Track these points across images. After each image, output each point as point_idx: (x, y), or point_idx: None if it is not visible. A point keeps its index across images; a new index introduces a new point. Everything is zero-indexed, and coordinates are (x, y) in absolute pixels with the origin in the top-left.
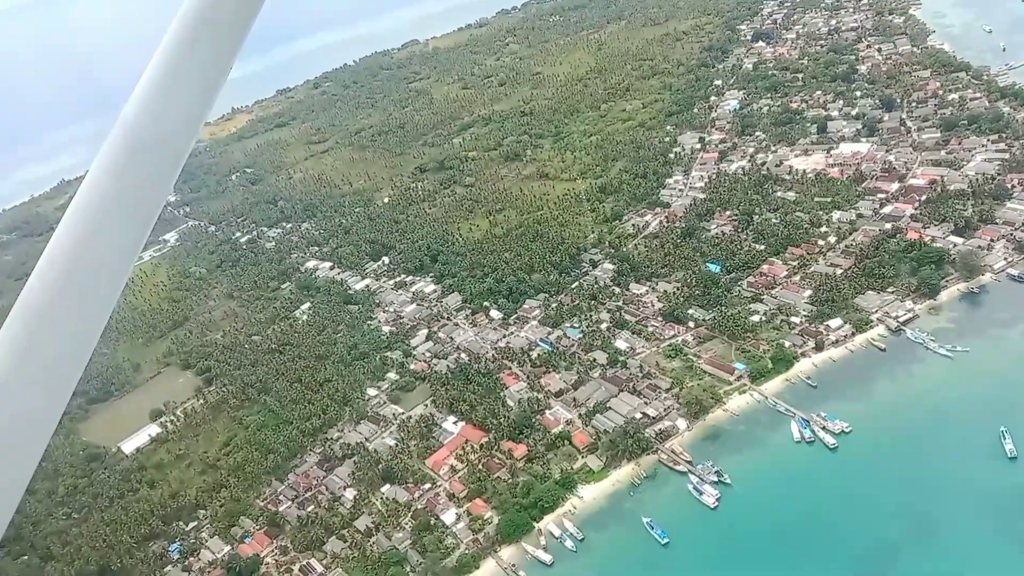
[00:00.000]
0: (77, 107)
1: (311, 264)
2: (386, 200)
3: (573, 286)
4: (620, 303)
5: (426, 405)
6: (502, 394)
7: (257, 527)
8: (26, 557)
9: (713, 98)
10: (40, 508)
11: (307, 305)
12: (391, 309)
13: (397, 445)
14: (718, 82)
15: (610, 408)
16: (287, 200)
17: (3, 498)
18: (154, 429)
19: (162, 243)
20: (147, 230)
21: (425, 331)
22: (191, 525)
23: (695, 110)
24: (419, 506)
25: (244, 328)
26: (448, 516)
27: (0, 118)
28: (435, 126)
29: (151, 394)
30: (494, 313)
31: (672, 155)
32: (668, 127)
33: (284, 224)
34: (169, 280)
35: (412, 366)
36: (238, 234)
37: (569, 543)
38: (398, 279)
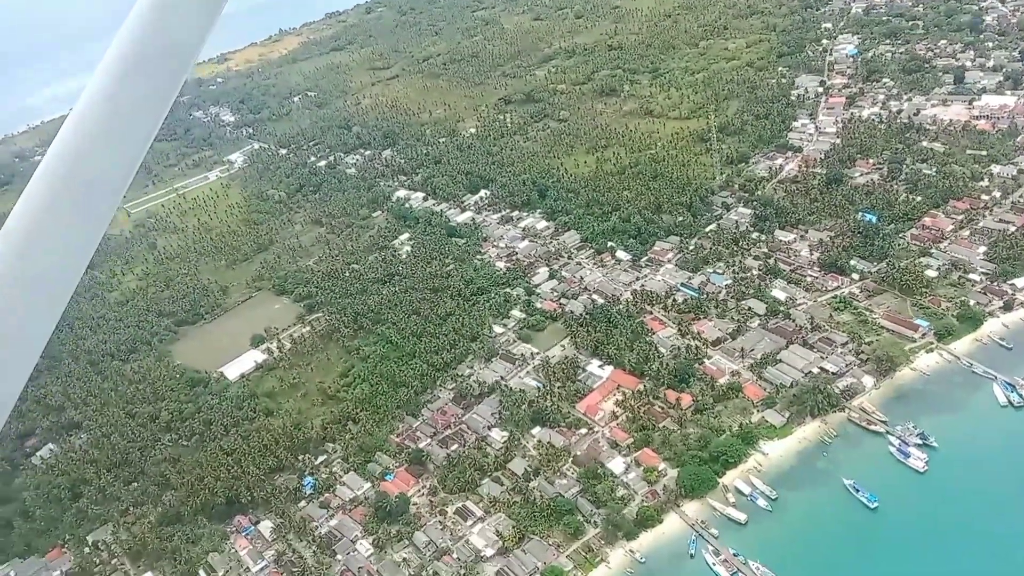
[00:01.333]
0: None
1: (401, 193)
2: (472, 131)
3: (707, 229)
4: (766, 250)
5: (563, 346)
6: (649, 339)
7: (397, 464)
8: (136, 484)
9: (825, 41)
10: (144, 433)
11: (406, 235)
12: (501, 244)
13: (544, 387)
14: (827, 25)
15: (781, 361)
16: (362, 126)
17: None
18: (258, 355)
19: (227, 164)
20: (148, 142)
21: (545, 269)
22: (320, 459)
23: (807, 52)
24: (578, 452)
25: (339, 256)
26: (615, 465)
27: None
28: (512, 57)
29: (245, 318)
30: (621, 254)
31: (793, 97)
32: (780, 68)
33: (362, 151)
34: (245, 202)
35: (539, 304)
36: (312, 159)
37: (762, 502)
38: (503, 214)
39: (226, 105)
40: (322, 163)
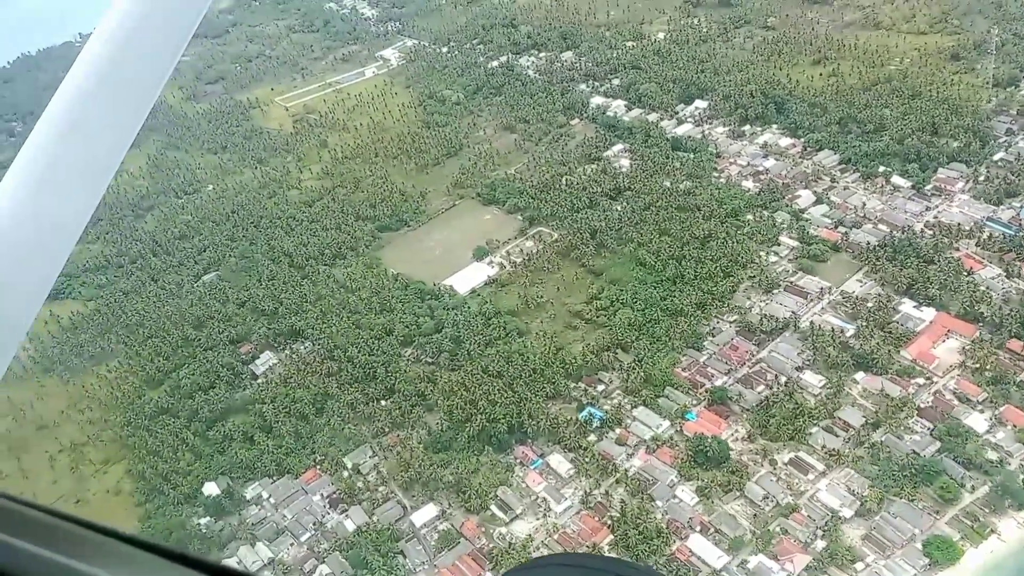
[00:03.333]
0: None
1: (598, 100)
2: (661, 35)
3: (996, 157)
4: None
5: (860, 281)
6: (971, 279)
7: (694, 402)
8: (386, 402)
9: None
10: (380, 346)
11: (619, 147)
12: (741, 162)
13: (860, 326)
14: None
15: None
16: (530, 25)
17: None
18: (486, 269)
19: (381, 60)
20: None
21: (807, 192)
22: (599, 388)
23: None
24: (920, 404)
25: (547, 166)
26: (974, 421)
27: None
28: None
29: (454, 228)
30: (898, 180)
31: None
32: None
33: (535, 52)
34: (417, 102)
35: (812, 231)
36: (481, 59)
37: None
38: (731, 128)
39: None
40: (493, 64)
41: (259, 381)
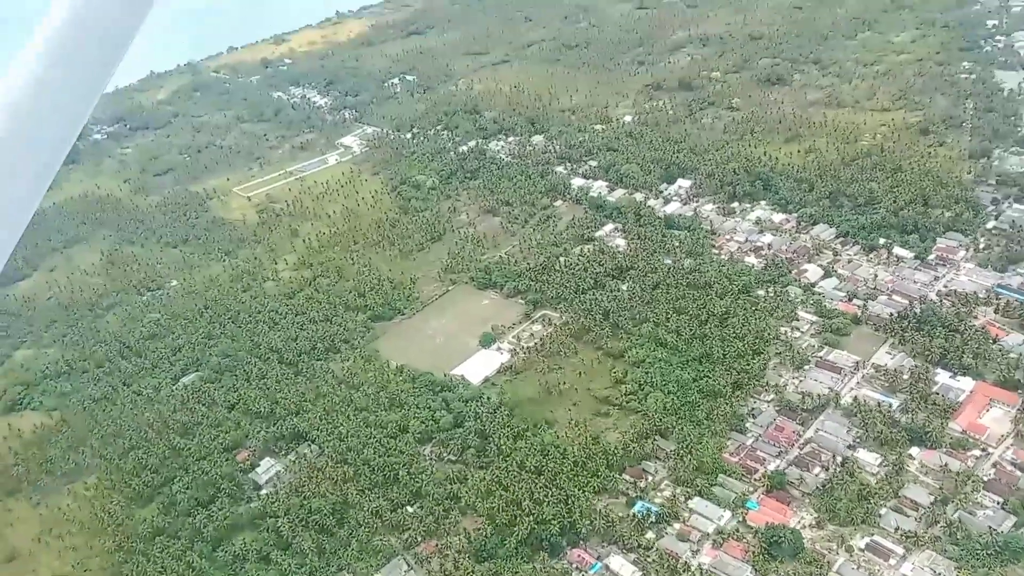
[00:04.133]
0: None
1: (579, 182)
2: (628, 118)
3: (988, 226)
4: None
5: (890, 354)
6: (1000, 347)
7: (751, 489)
8: (413, 507)
9: (1001, 37)
10: (398, 445)
11: (610, 227)
12: (739, 238)
13: (904, 401)
14: (992, 21)
15: None
16: (492, 111)
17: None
18: (497, 356)
19: (340, 147)
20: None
21: (812, 266)
22: (645, 481)
23: (987, 48)
24: (984, 477)
25: (539, 248)
26: None
27: None
28: (635, 44)
29: (452, 314)
30: (900, 251)
31: (1006, 92)
32: (964, 63)
33: (504, 137)
34: (391, 188)
35: (828, 305)
36: (449, 144)
37: None
38: (719, 205)
39: (309, 87)
40: (462, 148)
41: (264, 492)
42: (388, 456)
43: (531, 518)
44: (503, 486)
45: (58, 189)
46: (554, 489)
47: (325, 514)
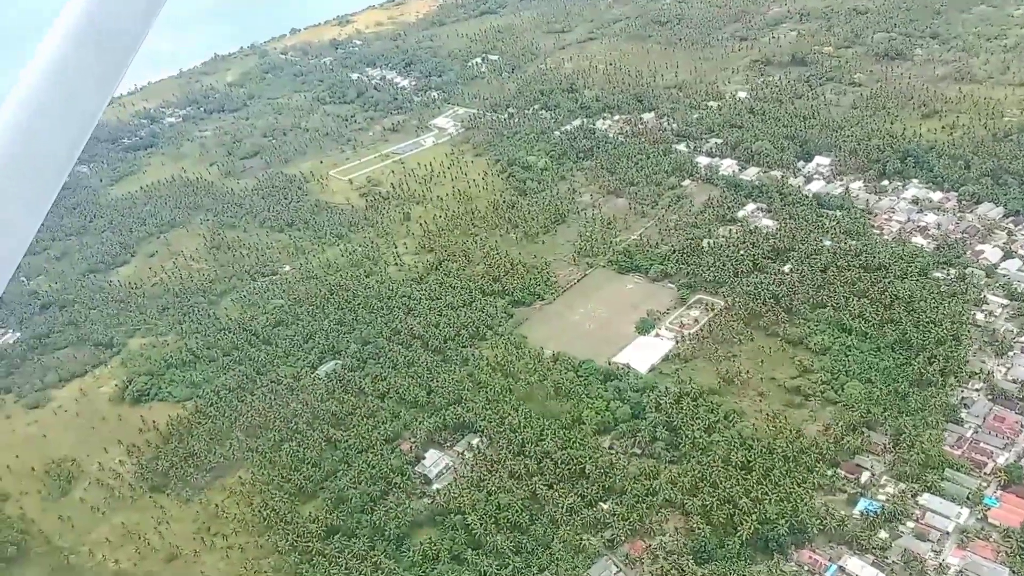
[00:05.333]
0: None
1: (703, 160)
2: (742, 95)
3: None
4: None
5: None
6: None
7: (984, 484)
8: (608, 504)
9: None
10: (575, 436)
11: (752, 206)
12: (897, 218)
13: None
14: None
15: None
16: (591, 88)
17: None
18: (661, 344)
19: (433, 129)
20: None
21: (989, 247)
22: (864, 476)
23: None
24: None
25: (676, 229)
26: None
27: None
28: (730, 20)
29: (595, 299)
30: None
31: None
32: None
33: (610, 115)
34: (500, 170)
35: (1019, 288)
36: (551, 124)
37: None
38: (869, 183)
39: (387, 67)
40: (565, 128)
41: (437, 486)
42: (569, 448)
43: (753, 517)
44: (710, 482)
45: (141, 173)
46: (769, 485)
47: (517, 511)
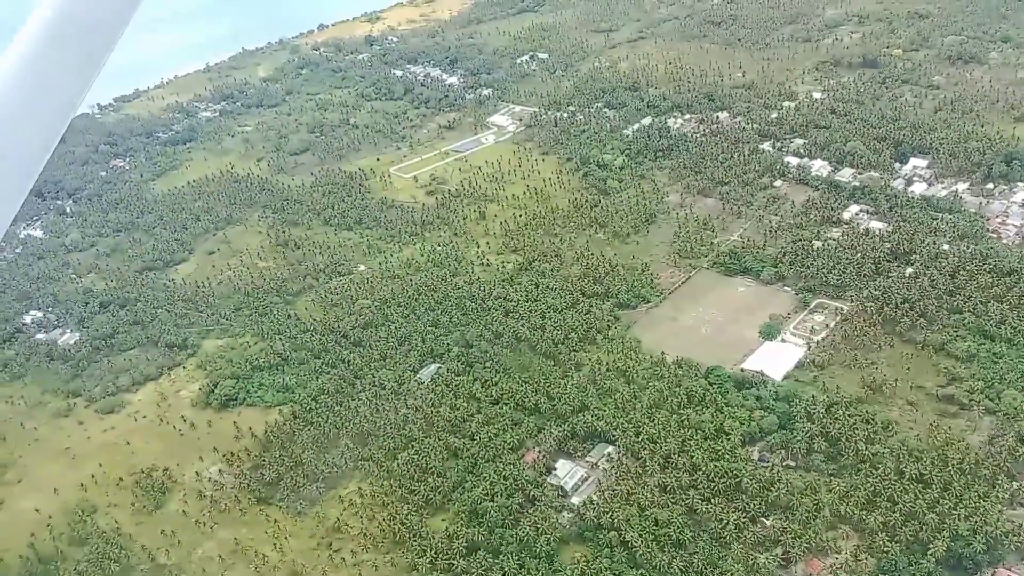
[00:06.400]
0: None
1: (792, 160)
2: (817, 95)
3: None
4: None
5: None
6: None
7: None
8: (771, 519)
9: None
10: (720, 447)
11: (855, 208)
12: (1012, 222)
13: None
14: None
15: None
16: (653, 87)
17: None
18: (793, 350)
19: (491, 127)
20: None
21: None
22: None
23: None
24: None
25: (778, 231)
26: None
27: None
28: (786, 21)
29: (705, 303)
30: None
31: None
32: None
33: (680, 114)
34: (573, 168)
35: None
36: (619, 122)
37: None
38: (975, 186)
39: (430, 64)
40: (634, 127)
41: (575, 500)
42: (719, 461)
43: (944, 534)
44: (887, 497)
45: (184, 168)
46: (951, 499)
47: (677, 527)
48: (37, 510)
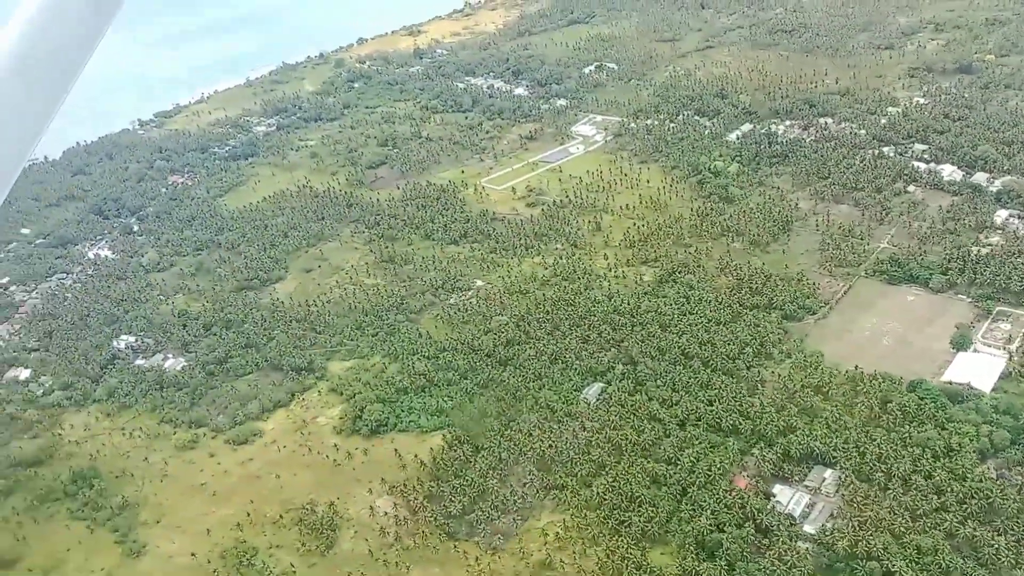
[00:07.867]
0: None
1: (920, 165)
2: (921, 100)
3: None
4: None
5: None
6: None
7: None
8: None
9: None
10: (956, 466)
11: (1004, 213)
12: None
13: None
14: None
15: None
16: (742, 93)
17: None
18: (996, 361)
19: (577, 137)
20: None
21: None
22: None
23: None
24: None
25: (929, 237)
26: None
27: None
28: (859, 29)
29: (876, 313)
30: None
31: None
32: None
33: (780, 120)
34: (680, 176)
35: None
36: (717, 129)
37: None
38: None
39: (490, 76)
40: (734, 133)
41: (808, 529)
42: (963, 480)
43: None
44: None
45: (253, 183)
46: None
47: (945, 554)
48: (193, 554)
